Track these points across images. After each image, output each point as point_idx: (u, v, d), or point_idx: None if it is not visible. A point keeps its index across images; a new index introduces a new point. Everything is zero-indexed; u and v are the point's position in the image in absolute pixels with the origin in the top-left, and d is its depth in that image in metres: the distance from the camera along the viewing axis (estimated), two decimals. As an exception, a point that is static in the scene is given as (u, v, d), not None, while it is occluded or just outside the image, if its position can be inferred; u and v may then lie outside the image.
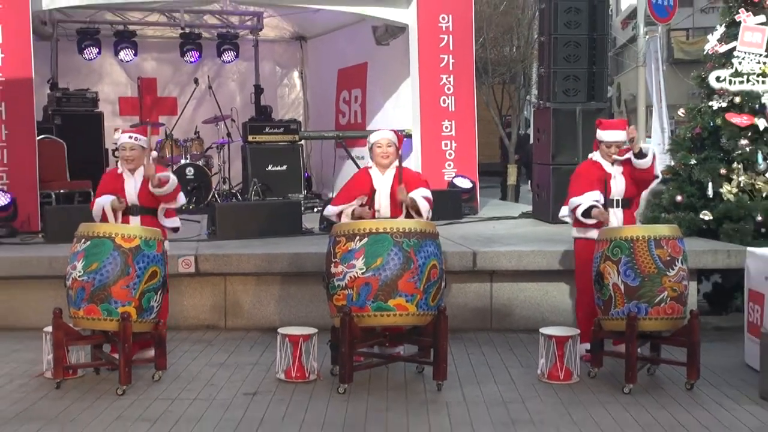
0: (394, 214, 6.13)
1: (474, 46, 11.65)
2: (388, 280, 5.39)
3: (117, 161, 6.55)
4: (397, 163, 6.21)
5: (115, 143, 7.33)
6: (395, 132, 6.49)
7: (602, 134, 6.34)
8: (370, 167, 6.31)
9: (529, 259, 7.58)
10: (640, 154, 6.12)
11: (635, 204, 6.43)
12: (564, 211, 6.51)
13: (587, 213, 6.13)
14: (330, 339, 5.92)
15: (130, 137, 6.35)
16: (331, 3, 10.94)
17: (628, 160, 6.18)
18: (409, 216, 6.06)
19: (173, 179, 6.22)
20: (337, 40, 13.34)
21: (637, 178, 6.23)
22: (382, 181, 6.17)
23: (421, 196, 6.09)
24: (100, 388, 5.68)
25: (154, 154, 6.36)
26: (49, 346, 5.79)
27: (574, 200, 6.25)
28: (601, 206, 6.10)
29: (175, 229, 6.61)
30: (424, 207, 6.06)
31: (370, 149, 6.31)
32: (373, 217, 6.10)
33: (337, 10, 11.29)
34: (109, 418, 5.05)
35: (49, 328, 5.76)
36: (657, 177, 6.41)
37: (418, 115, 10.83)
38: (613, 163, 6.26)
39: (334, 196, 6.78)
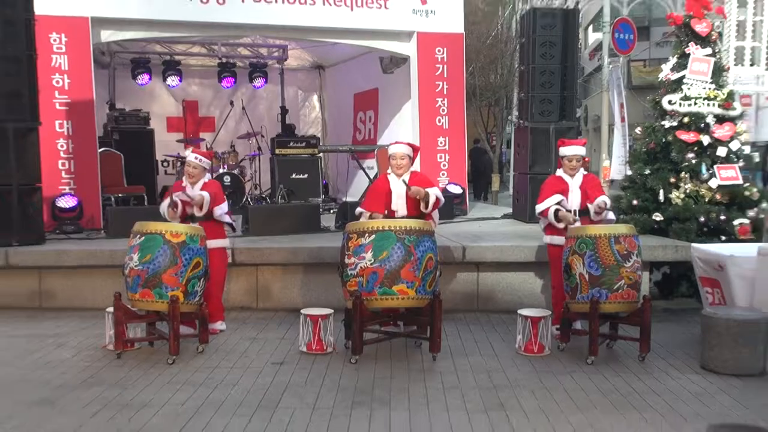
0: (410, 212, 6.20)
1: (464, 74, 11.73)
2: (392, 269, 5.46)
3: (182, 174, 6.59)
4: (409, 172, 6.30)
5: (185, 157, 7.35)
6: (410, 145, 6.54)
7: (564, 150, 6.43)
8: (389, 173, 6.35)
9: (509, 253, 7.64)
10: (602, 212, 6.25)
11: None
12: (537, 209, 6.53)
13: (557, 217, 6.23)
14: (344, 318, 6.00)
15: (196, 158, 6.46)
16: (345, 38, 11.01)
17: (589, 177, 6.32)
18: (413, 213, 6.14)
19: (206, 200, 6.26)
20: (350, 68, 13.39)
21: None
22: (398, 185, 6.23)
23: (433, 194, 6.18)
24: (154, 358, 5.80)
25: (206, 195, 6.32)
26: (111, 323, 5.92)
27: (539, 205, 6.36)
28: (565, 209, 6.20)
29: (230, 225, 6.74)
30: (433, 199, 6.14)
31: (390, 157, 6.35)
32: (391, 213, 6.19)
33: (349, 45, 11.38)
34: (160, 383, 5.16)
35: (111, 309, 5.89)
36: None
37: (418, 132, 10.91)
38: (572, 175, 6.35)
39: (358, 197, 6.83)
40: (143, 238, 5.70)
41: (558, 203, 6.25)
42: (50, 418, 4.51)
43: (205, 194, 6.28)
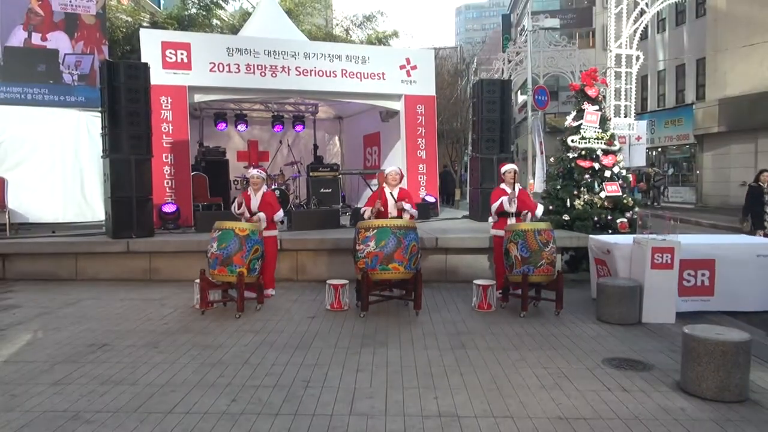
0: (397, 214, 6.11)
1: (436, 122, 11.62)
2: (389, 253, 5.39)
3: (248, 186, 6.38)
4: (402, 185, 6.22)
5: (246, 175, 7.21)
6: (399, 168, 6.44)
7: (503, 168, 6.31)
8: (384, 187, 6.22)
9: (467, 242, 7.53)
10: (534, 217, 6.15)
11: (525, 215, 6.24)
12: (490, 220, 6.43)
13: (502, 210, 6.11)
14: (356, 286, 5.90)
15: (258, 172, 6.34)
16: (357, 98, 10.88)
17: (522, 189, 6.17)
18: (400, 215, 6.09)
19: (263, 220, 6.09)
20: (360, 119, 13.28)
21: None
22: (390, 195, 6.15)
23: (407, 206, 6.09)
24: (227, 314, 5.69)
25: (262, 215, 6.11)
26: (198, 290, 5.81)
27: (493, 205, 6.21)
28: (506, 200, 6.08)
29: (281, 221, 6.56)
30: (408, 212, 6.07)
31: (386, 176, 6.22)
32: (386, 212, 6.06)
33: (359, 103, 11.28)
34: (231, 331, 5.06)
35: (198, 280, 5.79)
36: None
37: (405, 161, 10.82)
38: (511, 188, 6.20)
39: (364, 203, 6.73)
40: (220, 232, 5.61)
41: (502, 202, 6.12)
42: (155, 355, 4.40)
43: (262, 216, 6.10)
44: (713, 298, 5.71)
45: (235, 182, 12.67)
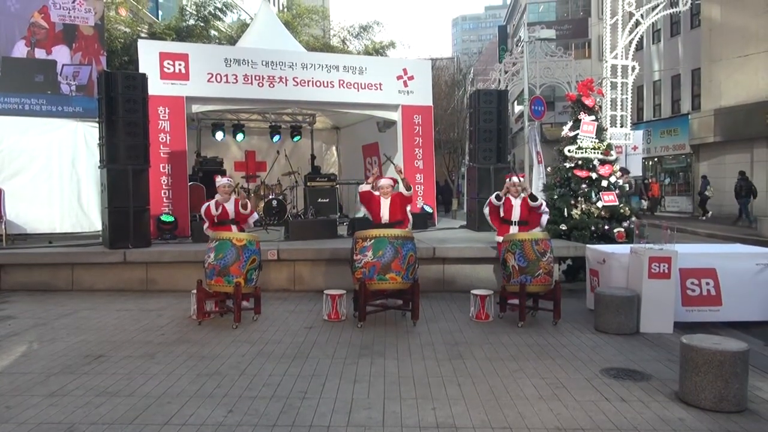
0: (391, 219, 6.12)
1: (433, 132, 11.66)
2: (386, 263, 5.38)
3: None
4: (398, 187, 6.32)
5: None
6: (392, 178, 6.41)
7: (510, 180, 6.37)
8: (380, 196, 6.19)
9: (464, 251, 7.54)
10: (533, 198, 6.19)
11: (530, 224, 6.24)
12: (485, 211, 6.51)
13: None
14: (353, 296, 5.88)
15: (228, 180, 6.44)
16: (354, 109, 10.92)
17: (525, 199, 6.23)
18: (397, 218, 6.15)
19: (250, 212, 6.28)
20: (357, 129, 13.31)
21: (531, 211, 6.25)
22: (385, 203, 6.16)
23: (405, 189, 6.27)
24: (224, 324, 5.67)
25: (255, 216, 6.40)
26: (194, 300, 5.79)
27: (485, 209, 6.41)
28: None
29: (255, 222, 6.68)
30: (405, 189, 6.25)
31: (379, 188, 6.23)
32: (378, 217, 6.12)
33: (357, 113, 11.32)
34: (228, 341, 5.05)
35: (195, 291, 5.77)
36: (544, 213, 6.32)
37: (403, 171, 10.81)
38: (516, 197, 6.27)
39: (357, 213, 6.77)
40: (217, 242, 5.61)
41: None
42: (151, 366, 4.37)
43: (255, 216, 6.28)
44: (722, 307, 5.66)
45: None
